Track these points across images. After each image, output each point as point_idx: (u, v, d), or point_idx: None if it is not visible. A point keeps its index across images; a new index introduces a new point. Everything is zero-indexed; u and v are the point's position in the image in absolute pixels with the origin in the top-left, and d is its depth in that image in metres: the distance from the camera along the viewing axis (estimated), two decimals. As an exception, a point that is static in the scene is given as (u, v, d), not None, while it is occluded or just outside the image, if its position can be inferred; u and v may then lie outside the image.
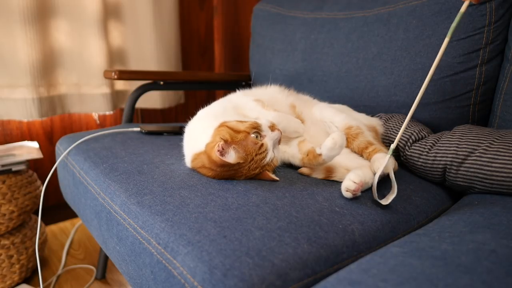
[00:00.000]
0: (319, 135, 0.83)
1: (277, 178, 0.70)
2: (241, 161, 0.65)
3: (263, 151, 0.67)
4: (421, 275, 0.42)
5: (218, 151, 0.63)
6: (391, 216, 0.65)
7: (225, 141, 0.64)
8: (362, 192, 0.67)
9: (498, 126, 0.88)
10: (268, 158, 0.68)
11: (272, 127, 0.70)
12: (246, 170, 0.67)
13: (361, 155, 0.78)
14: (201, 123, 0.76)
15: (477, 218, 0.60)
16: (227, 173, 0.68)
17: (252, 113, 0.77)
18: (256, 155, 0.66)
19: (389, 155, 0.65)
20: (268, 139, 0.68)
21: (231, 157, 0.64)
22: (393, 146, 0.65)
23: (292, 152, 0.77)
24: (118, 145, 0.91)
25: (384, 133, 0.89)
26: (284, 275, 0.47)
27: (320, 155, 0.68)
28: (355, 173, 0.65)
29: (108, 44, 1.47)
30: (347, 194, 0.65)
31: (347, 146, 0.79)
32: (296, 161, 0.77)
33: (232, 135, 0.65)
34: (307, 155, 0.72)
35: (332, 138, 0.65)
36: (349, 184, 0.64)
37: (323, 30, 1.17)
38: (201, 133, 0.71)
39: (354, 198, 0.66)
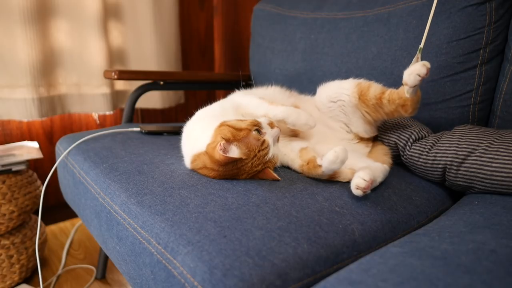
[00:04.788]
0: (322, 136, 0.83)
1: (279, 178, 0.70)
2: (244, 157, 0.65)
3: (265, 147, 0.67)
4: (421, 275, 0.42)
5: (221, 149, 0.63)
6: (391, 216, 0.65)
7: (227, 140, 0.64)
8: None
9: (498, 126, 0.88)
10: (270, 154, 0.68)
11: (271, 124, 0.70)
12: (249, 168, 0.67)
13: (380, 106, 0.75)
14: (200, 123, 0.76)
15: (477, 218, 0.60)
16: (229, 172, 0.68)
17: (259, 110, 0.77)
18: (259, 151, 0.66)
19: (420, 54, 0.69)
20: (268, 136, 0.68)
21: (234, 152, 0.64)
22: (421, 45, 0.68)
23: (292, 157, 0.77)
24: (118, 145, 0.91)
25: (384, 133, 0.89)
26: (284, 275, 0.47)
27: (320, 166, 0.68)
28: (365, 171, 0.65)
29: (108, 44, 1.47)
30: (358, 192, 0.64)
31: (364, 102, 0.77)
32: (295, 166, 0.77)
33: (233, 133, 0.66)
34: (308, 163, 0.72)
35: (335, 151, 0.65)
36: (360, 181, 0.64)
37: (323, 30, 1.17)
38: (200, 133, 0.71)
39: (355, 198, 0.66)
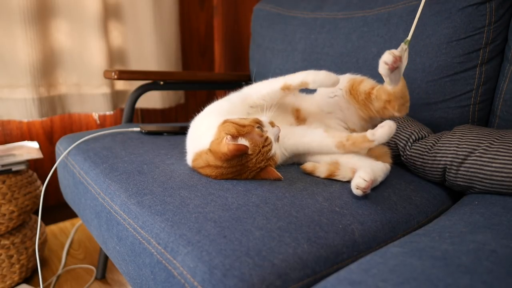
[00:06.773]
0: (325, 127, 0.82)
1: (281, 176, 0.71)
2: (250, 152, 0.66)
3: (269, 143, 0.68)
4: (421, 275, 0.42)
5: (229, 140, 0.63)
6: (391, 216, 0.65)
7: (232, 135, 0.65)
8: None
9: (498, 126, 0.88)
10: (273, 151, 0.69)
11: (272, 124, 0.71)
12: (252, 164, 0.67)
13: (370, 102, 0.74)
14: (205, 120, 0.76)
15: (477, 218, 0.60)
16: (233, 169, 0.68)
17: (275, 85, 0.76)
18: (262, 147, 0.67)
19: (406, 46, 0.67)
20: (270, 134, 0.69)
21: (243, 142, 0.65)
22: (408, 38, 0.66)
23: (319, 139, 0.76)
24: (118, 145, 0.91)
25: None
26: (284, 275, 0.47)
27: (372, 141, 0.69)
28: (365, 171, 0.65)
29: (108, 44, 1.47)
30: (358, 192, 0.65)
31: (354, 97, 0.77)
32: (324, 147, 0.75)
33: (238, 129, 0.66)
34: (347, 139, 0.72)
35: (389, 126, 0.66)
36: (360, 182, 0.64)
37: (323, 30, 1.17)
38: (203, 131, 0.71)
39: (355, 198, 0.66)
